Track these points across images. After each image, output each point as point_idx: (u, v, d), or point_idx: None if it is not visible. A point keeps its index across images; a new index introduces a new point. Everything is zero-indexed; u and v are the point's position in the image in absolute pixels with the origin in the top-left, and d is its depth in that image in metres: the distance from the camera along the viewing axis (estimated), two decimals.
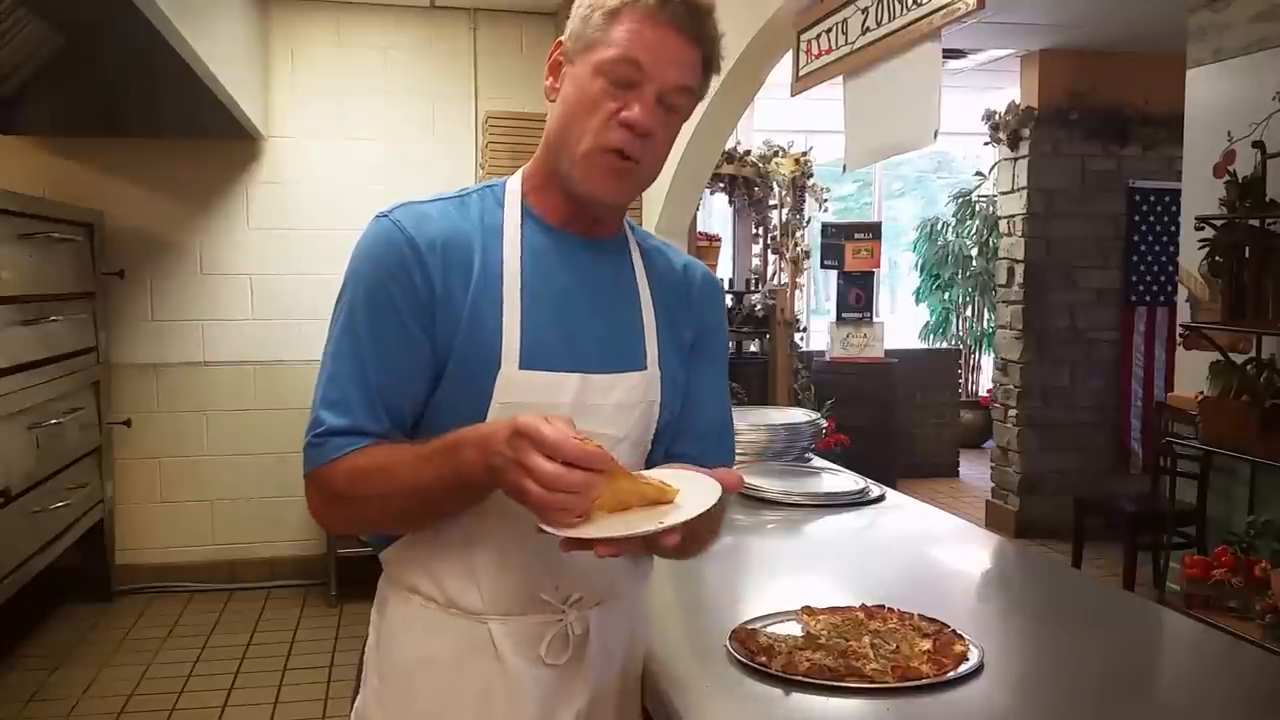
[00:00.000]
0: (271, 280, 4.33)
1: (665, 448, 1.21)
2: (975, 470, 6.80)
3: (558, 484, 0.89)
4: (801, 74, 2.93)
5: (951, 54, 5.27)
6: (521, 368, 1.06)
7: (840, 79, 2.72)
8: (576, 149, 1.07)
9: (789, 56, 3.03)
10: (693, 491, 0.96)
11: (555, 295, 1.10)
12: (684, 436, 1.21)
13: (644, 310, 1.17)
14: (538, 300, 1.09)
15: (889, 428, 5.91)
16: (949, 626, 1.27)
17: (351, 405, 1.05)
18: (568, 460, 0.89)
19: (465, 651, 1.11)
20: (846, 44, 2.67)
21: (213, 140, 4.20)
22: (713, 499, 0.94)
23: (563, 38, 1.12)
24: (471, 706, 1.11)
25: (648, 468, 1.19)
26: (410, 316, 1.06)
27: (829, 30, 2.77)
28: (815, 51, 2.85)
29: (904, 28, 2.38)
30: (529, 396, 1.06)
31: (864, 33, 2.58)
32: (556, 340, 1.08)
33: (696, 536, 1.17)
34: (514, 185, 1.16)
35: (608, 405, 1.11)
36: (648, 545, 0.97)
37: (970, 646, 1.21)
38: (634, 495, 0.94)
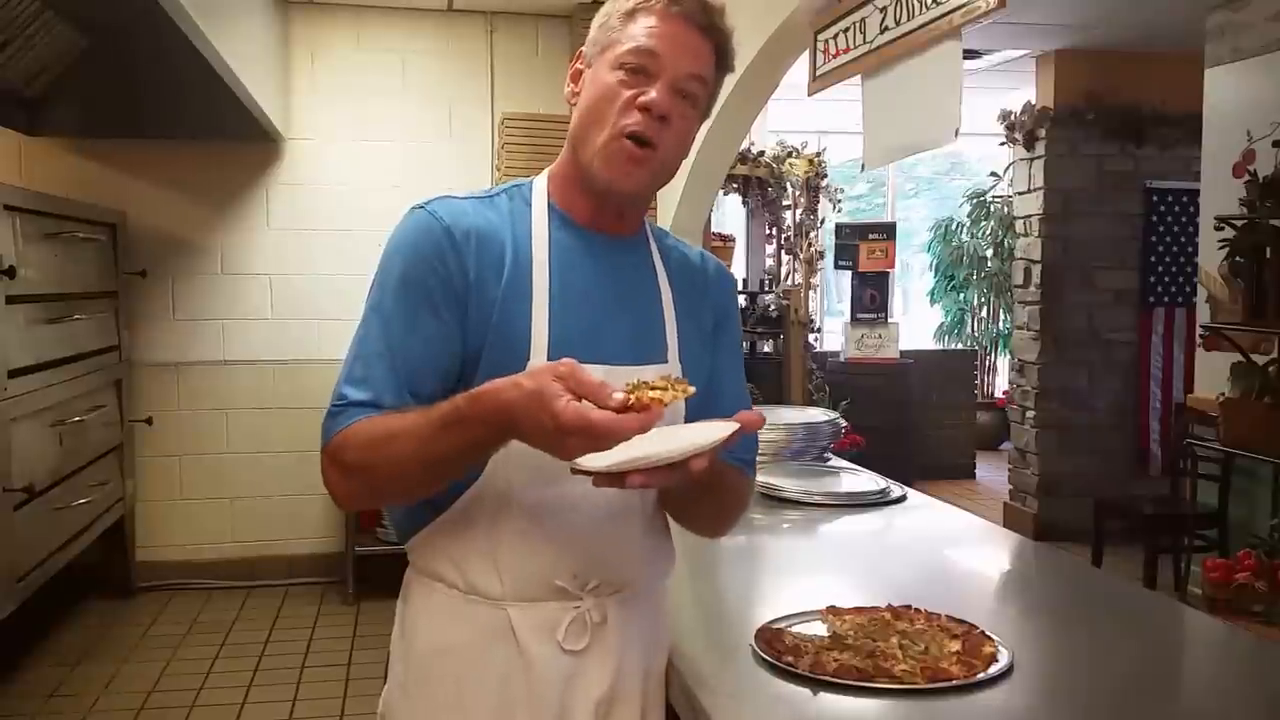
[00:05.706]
0: (291, 280, 4.36)
1: None
2: (991, 472, 6.77)
3: (610, 437, 0.90)
4: (819, 73, 2.93)
5: (966, 54, 5.22)
6: (549, 359, 1.08)
7: (857, 78, 2.72)
8: (597, 139, 1.12)
9: (804, 56, 3.03)
10: (713, 426, 0.99)
11: (581, 290, 1.14)
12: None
13: (664, 305, 1.21)
14: (564, 295, 1.13)
15: (904, 429, 5.89)
16: (977, 627, 1.26)
17: (374, 381, 1.07)
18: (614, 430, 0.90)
19: (485, 638, 1.14)
20: (865, 43, 2.67)
21: (233, 142, 4.22)
22: (732, 427, 0.97)
23: (583, 48, 1.18)
24: (492, 693, 1.14)
25: None
26: (443, 301, 1.09)
27: (847, 30, 2.76)
28: (833, 51, 2.85)
29: (923, 27, 2.38)
30: None
31: (882, 32, 2.58)
32: (582, 333, 1.12)
33: (723, 499, 1.20)
34: (540, 185, 1.20)
35: None
36: (678, 477, 0.96)
37: (1000, 648, 1.21)
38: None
